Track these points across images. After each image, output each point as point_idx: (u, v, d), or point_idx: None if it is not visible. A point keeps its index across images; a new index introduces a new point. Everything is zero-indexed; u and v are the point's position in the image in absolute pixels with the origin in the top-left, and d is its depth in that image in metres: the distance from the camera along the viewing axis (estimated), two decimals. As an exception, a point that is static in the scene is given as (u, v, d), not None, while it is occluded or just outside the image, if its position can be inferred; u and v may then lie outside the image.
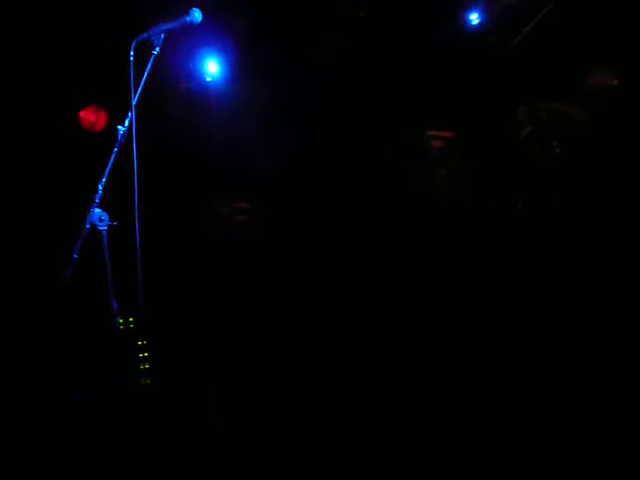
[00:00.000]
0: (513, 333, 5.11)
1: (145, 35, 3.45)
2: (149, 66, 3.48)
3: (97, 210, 3.42)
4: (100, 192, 3.44)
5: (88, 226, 3.40)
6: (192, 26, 3.51)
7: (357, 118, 5.85)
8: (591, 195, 5.28)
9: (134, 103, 3.45)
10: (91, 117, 5.56)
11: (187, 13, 3.48)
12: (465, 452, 4.74)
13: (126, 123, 3.47)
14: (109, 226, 3.43)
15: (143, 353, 3.64)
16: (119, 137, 3.47)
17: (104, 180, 3.45)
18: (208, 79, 5.93)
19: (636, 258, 4.96)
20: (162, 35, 3.49)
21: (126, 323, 3.61)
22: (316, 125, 5.93)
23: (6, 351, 4.71)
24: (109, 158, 3.47)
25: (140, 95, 3.49)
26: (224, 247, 5.88)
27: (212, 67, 5.90)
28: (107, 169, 3.45)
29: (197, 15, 3.49)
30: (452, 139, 5.99)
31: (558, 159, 5.57)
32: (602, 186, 5.25)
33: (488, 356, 5.13)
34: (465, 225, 5.73)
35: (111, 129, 3.59)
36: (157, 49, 3.49)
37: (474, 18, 5.94)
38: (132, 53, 3.43)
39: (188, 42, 5.47)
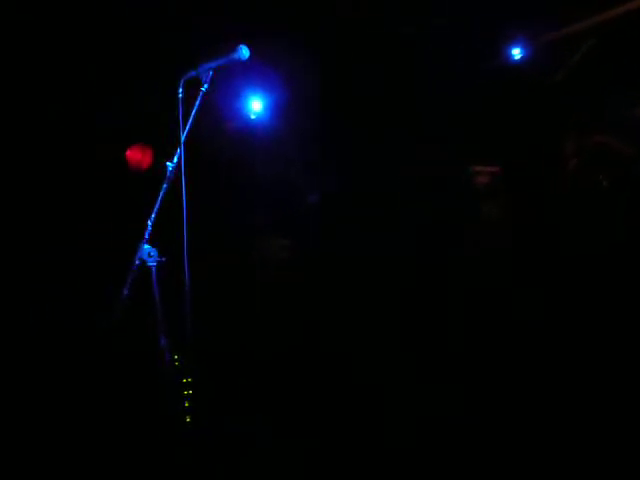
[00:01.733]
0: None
1: (194, 72, 3.47)
2: (198, 102, 3.48)
3: (146, 246, 3.42)
4: (149, 228, 3.43)
5: (138, 262, 3.39)
6: (240, 62, 3.51)
7: (403, 154, 5.85)
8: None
9: (183, 139, 3.45)
10: (137, 156, 5.60)
11: (235, 50, 3.48)
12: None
13: (175, 159, 3.46)
14: (158, 262, 3.42)
15: (187, 391, 3.62)
16: (168, 173, 3.46)
17: (153, 216, 3.45)
18: (253, 117, 5.99)
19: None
20: (210, 72, 3.50)
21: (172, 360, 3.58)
22: (359, 162, 5.94)
23: (56, 381, 4.76)
24: (158, 194, 3.46)
25: (188, 132, 3.49)
26: (272, 285, 5.89)
27: (256, 105, 5.95)
28: (156, 205, 3.45)
29: (244, 52, 3.48)
30: (498, 174, 5.95)
31: (606, 194, 5.50)
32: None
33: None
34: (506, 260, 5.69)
35: (158, 166, 3.59)
36: (205, 86, 3.50)
37: (517, 53, 5.94)
38: (181, 90, 3.45)
39: (233, 81, 5.53)
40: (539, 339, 5.25)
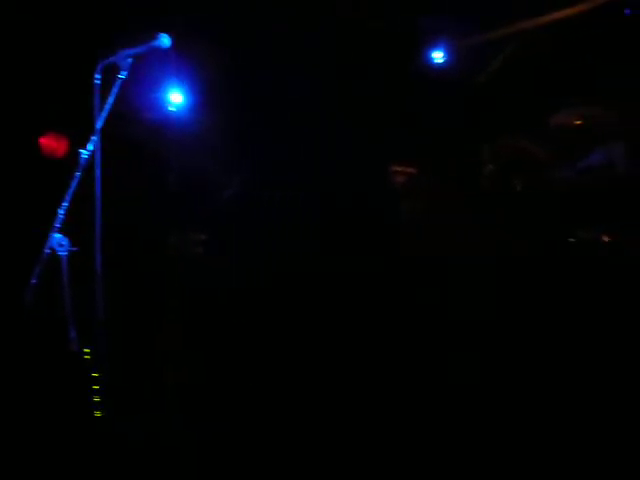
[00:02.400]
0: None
1: (112, 58, 3.39)
2: (115, 90, 3.40)
3: (57, 235, 3.32)
4: (61, 217, 3.33)
5: (48, 251, 3.30)
6: (160, 51, 3.44)
7: (319, 153, 5.86)
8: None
9: (99, 127, 3.37)
10: (52, 143, 5.48)
11: (155, 38, 3.42)
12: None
13: (89, 147, 3.37)
14: (69, 251, 3.33)
15: (96, 385, 3.54)
16: (81, 161, 3.37)
17: (65, 205, 3.35)
18: (171, 109, 5.90)
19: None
20: (129, 59, 3.42)
21: (82, 353, 3.50)
22: (278, 157, 5.93)
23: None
24: (70, 182, 3.36)
25: (104, 120, 3.41)
26: (182, 277, 5.84)
27: (176, 97, 5.87)
28: (68, 193, 3.35)
29: (165, 40, 3.43)
30: (415, 175, 6.01)
31: (519, 197, 5.61)
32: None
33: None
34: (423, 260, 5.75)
35: (73, 154, 3.50)
36: (124, 73, 3.42)
37: (439, 57, 5.99)
38: (98, 76, 3.36)
39: (152, 71, 5.44)
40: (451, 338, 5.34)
